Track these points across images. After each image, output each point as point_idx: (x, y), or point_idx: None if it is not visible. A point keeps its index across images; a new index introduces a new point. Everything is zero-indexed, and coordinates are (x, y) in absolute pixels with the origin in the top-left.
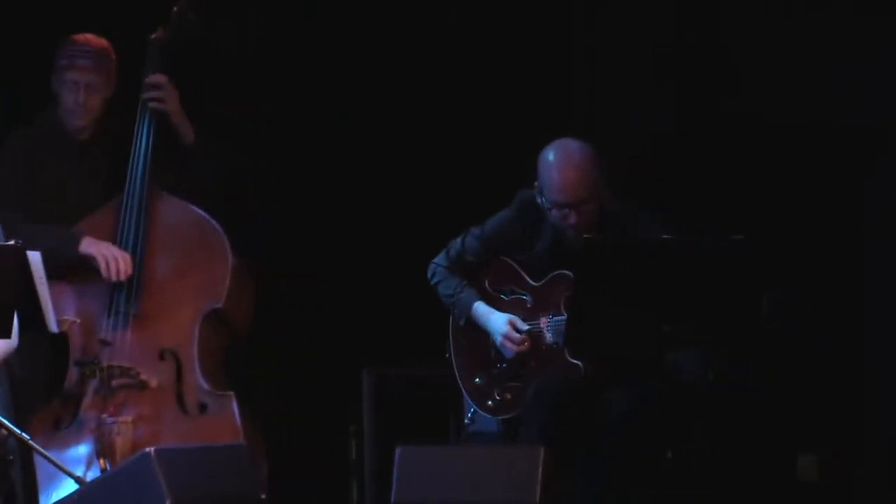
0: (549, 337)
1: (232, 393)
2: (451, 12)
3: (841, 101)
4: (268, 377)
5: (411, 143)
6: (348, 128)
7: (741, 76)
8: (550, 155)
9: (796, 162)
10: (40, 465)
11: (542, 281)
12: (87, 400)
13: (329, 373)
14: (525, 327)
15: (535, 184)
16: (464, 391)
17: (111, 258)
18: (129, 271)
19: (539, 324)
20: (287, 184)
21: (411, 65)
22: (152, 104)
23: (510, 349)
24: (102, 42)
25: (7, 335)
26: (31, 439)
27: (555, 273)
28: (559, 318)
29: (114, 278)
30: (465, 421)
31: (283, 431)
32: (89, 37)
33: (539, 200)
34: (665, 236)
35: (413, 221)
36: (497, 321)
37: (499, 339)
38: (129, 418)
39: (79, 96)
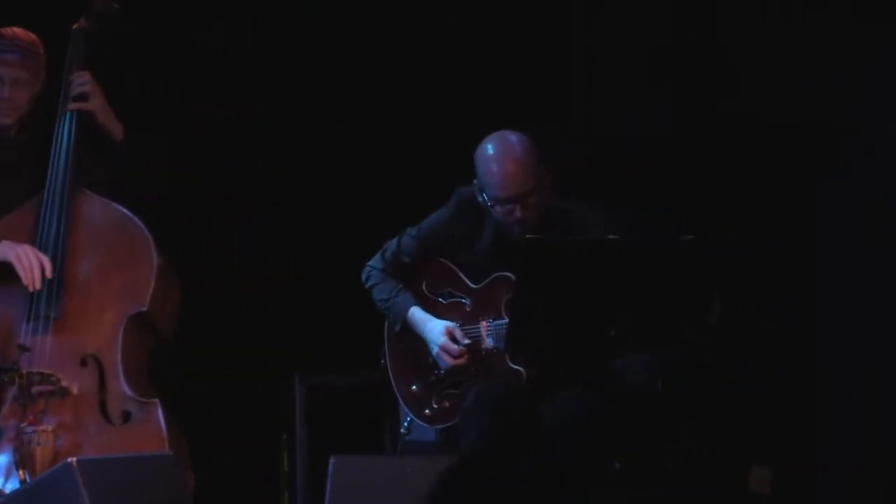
0: (489, 342)
1: (157, 400)
2: (449, 13)
3: (838, 103)
4: (194, 383)
5: (390, 142)
6: (302, 124)
7: (739, 77)
8: (488, 150)
9: (793, 163)
10: None
11: (482, 283)
12: (5, 408)
13: (259, 378)
14: (465, 341)
15: (474, 182)
16: (400, 399)
17: (28, 265)
18: (49, 275)
19: (478, 328)
20: (219, 181)
21: (407, 66)
22: (74, 105)
23: (446, 361)
24: (31, 37)
25: None
26: None
27: (495, 275)
28: (500, 321)
29: (31, 288)
30: (402, 430)
31: (211, 441)
32: (17, 30)
33: (480, 198)
34: (611, 236)
35: (370, 221)
36: (434, 330)
37: (435, 349)
38: (50, 427)
39: (3, 92)
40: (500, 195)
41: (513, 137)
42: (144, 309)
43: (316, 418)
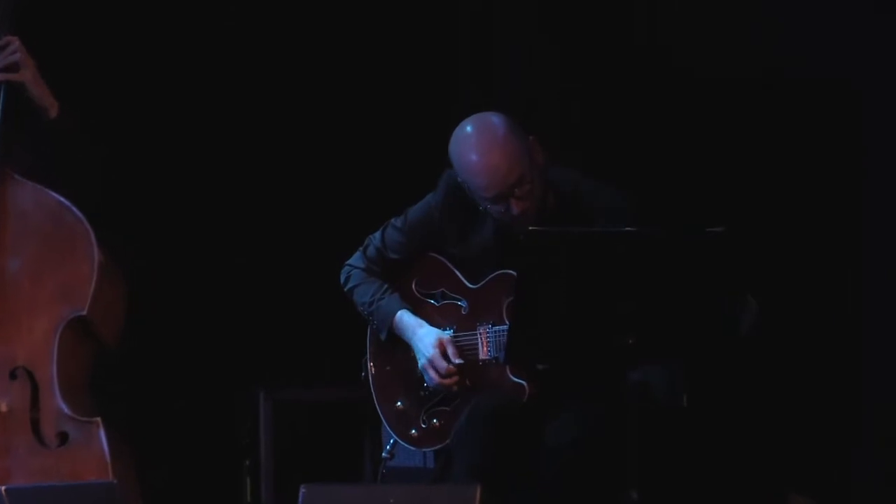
0: (487, 351)
1: (99, 419)
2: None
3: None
4: (143, 398)
5: (386, 144)
6: (263, 116)
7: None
8: (464, 142)
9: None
10: None
11: (481, 282)
12: None
13: (219, 395)
14: (457, 360)
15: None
16: (383, 418)
17: None
18: None
19: (475, 335)
20: (173, 169)
21: (408, 67)
22: (0, 76)
23: (432, 378)
24: None
25: None
26: None
27: (496, 273)
28: (500, 328)
29: None
30: (384, 454)
31: (162, 466)
32: None
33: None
34: (628, 228)
35: (339, 215)
36: (424, 338)
37: (422, 361)
38: None
39: None
40: (487, 194)
41: (492, 118)
42: (84, 313)
43: (284, 440)
